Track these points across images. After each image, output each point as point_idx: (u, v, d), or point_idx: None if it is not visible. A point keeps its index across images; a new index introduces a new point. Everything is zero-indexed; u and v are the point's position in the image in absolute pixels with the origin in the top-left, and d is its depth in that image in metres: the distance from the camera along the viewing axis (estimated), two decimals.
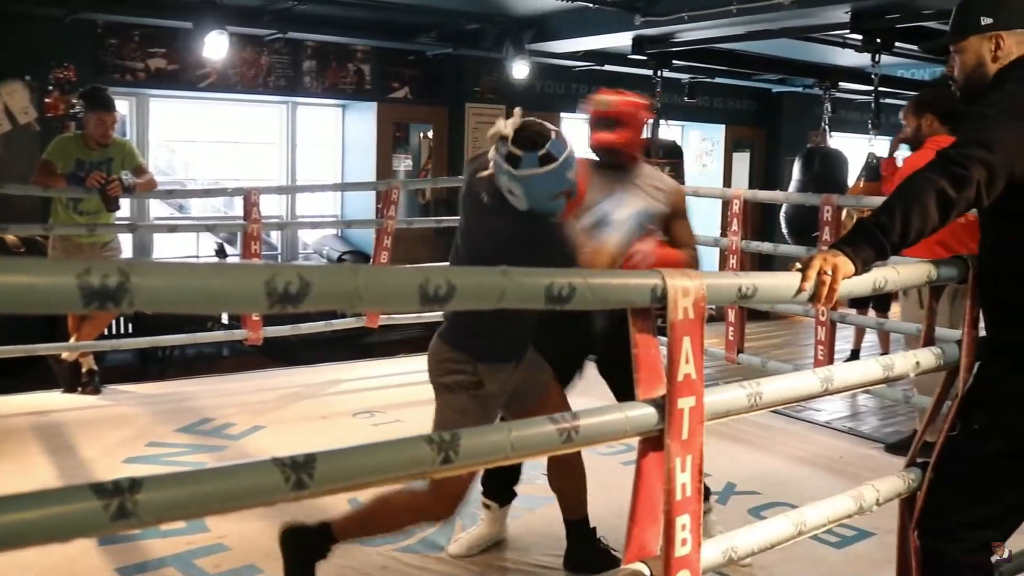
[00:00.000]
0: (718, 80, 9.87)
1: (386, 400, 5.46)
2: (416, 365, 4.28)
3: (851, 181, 6.60)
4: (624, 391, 3.48)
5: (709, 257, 9.84)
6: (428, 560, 3.44)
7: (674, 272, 1.73)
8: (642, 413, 1.72)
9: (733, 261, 5.54)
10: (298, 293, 1.22)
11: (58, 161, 5.27)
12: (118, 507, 1.14)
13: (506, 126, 2.58)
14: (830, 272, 2.05)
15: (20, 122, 6.60)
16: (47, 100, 6.72)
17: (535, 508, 3.94)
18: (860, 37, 6.49)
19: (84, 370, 5.56)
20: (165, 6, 6.72)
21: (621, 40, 7.44)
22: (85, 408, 5.30)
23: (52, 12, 6.49)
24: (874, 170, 6.04)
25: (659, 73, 8.04)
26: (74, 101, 6.66)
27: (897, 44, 6.58)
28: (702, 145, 11.17)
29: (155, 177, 5.79)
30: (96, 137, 5.30)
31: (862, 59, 7.27)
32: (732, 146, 11.10)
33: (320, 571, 2.95)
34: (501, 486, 3.59)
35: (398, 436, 1.46)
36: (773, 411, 4.82)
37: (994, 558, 2.13)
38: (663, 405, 1.73)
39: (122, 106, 7.19)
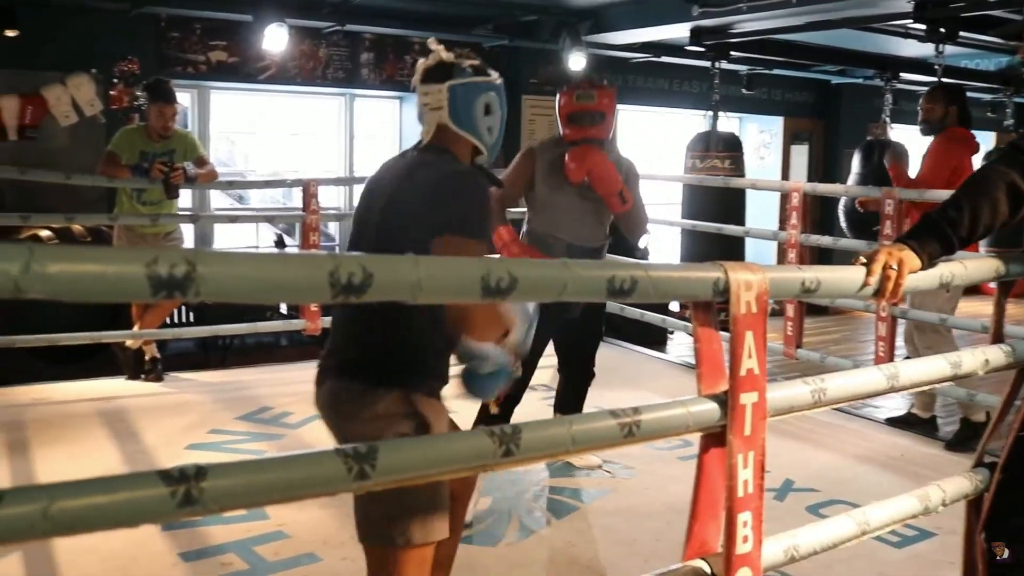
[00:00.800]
0: (776, 71, 9.73)
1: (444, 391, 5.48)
2: None
3: (912, 174, 6.43)
4: (567, 345, 4.11)
5: (767, 251, 9.77)
6: (481, 552, 3.44)
7: (736, 265, 1.71)
8: (704, 408, 1.70)
9: (792, 255, 5.48)
10: (361, 284, 1.22)
11: (122, 152, 5.38)
12: (184, 494, 1.15)
13: (442, 52, 2.36)
14: (895, 267, 2.01)
15: (86, 114, 6.69)
16: (112, 92, 6.83)
17: (590, 501, 3.93)
18: (923, 26, 6.35)
19: (147, 357, 5.66)
20: None
21: (678, 31, 7.36)
22: (148, 395, 5.40)
23: (117, 6, 6.60)
24: None
25: (717, 64, 7.95)
26: (138, 93, 6.77)
27: (962, 33, 6.42)
28: (760, 137, 11.03)
29: (216, 168, 5.87)
30: (158, 129, 5.41)
31: (925, 49, 7.12)
32: (791, 138, 10.95)
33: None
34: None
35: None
36: (832, 407, 4.74)
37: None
38: (725, 401, 1.71)
39: (184, 98, 7.28)
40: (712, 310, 1.74)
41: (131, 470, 1.20)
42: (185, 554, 3.32)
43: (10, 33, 6.25)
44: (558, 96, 3.94)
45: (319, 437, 4.59)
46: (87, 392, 5.34)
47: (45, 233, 6.01)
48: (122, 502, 1.13)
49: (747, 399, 1.72)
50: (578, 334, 4.08)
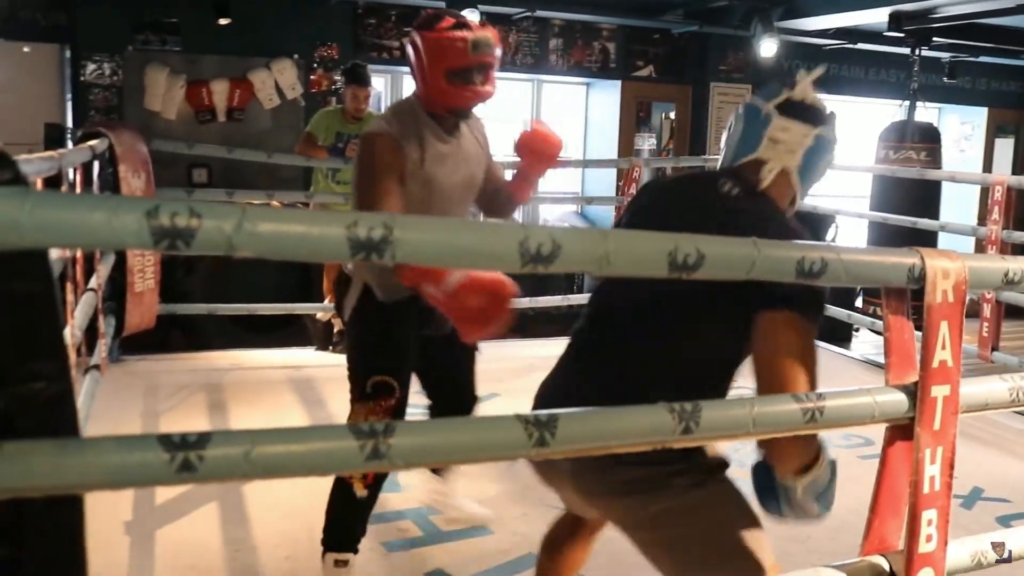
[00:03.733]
0: (982, 59, 9.21)
1: None
2: None
3: None
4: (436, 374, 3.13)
5: (965, 247, 9.27)
6: None
7: (933, 252, 1.64)
8: (892, 399, 1.64)
9: (992, 251, 5.19)
10: (549, 255, 1.24)
11: (319, 133, 5.63)
12: (373, 448, 1.21)
13: (809, 89, 1.98)
14: None
15: (288, 97, 7.09)
16: (312, 77, 7.17)
17: None
18: None
19: (336, 330, 5.91)
20: None
21: (876, 16, 7.07)
22: (335, 366, 5.58)
23: None
24: None
25: (917, 51, 7.58)
26: (336, 78, 7.08)
27: None
28: (961, 129, 10.47)
29: None
30: (352, 111, 5.62)
31: None
32: (995, 130, 10.34)
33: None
34: None
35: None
36: None
37: (994, 558, 1.89)
38: (915, 392, 1.65)
39: (378, 82, 7.57)
40: (905, 298, 1.69)
41: (329, 424, 1.27)
42: None
43: (223, 21, 6.66)
44: (420, 38, 2.75)
45: (497, 412, 4.71)
46: (279, 360, 5.63)
47: None
48: (316, 451, 1.19)
49: (938, 392, 1.65)
50: (448, 357, 3.04)
